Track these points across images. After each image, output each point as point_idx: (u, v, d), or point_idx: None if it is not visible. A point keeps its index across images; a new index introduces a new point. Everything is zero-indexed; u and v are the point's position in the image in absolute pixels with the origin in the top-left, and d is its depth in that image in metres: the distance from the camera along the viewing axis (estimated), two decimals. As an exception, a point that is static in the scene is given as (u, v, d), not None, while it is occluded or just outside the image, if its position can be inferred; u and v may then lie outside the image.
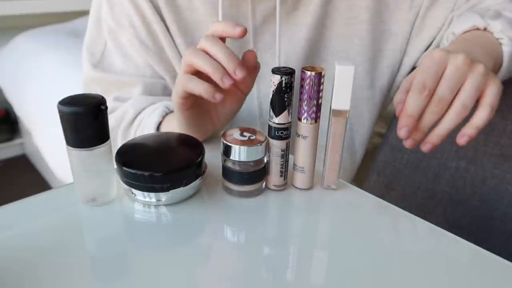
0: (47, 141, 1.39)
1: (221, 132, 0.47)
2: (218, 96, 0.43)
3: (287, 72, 0.42)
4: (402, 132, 0.42)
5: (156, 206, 0.44)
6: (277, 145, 0.45)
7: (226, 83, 0.42)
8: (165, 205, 0.44)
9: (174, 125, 0.55)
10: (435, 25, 0.65)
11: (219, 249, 0.39)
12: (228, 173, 0.45)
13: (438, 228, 0.43)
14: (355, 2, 0.64)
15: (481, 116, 0.42)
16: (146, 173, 0.41)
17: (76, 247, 0.38)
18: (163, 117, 0.61)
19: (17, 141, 2.02)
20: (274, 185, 0.47)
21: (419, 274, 0.37)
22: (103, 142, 0.41)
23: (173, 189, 0.43)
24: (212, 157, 0.51)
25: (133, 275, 0.35)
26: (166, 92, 0.67)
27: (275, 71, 0.42)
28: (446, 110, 0.42)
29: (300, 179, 0.48)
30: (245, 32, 0.43)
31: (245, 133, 0.45)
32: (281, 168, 0.46)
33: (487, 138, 0.69)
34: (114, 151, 0.44)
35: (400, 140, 0.43)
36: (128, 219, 0.43)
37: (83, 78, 0.68)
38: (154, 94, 0.66)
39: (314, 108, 0.44)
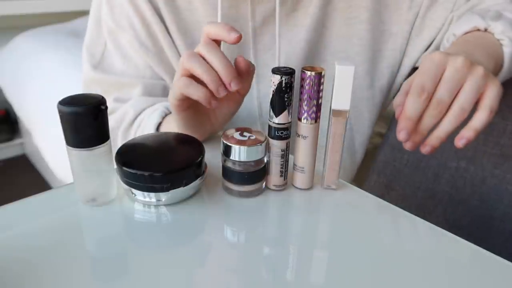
0: (47, 141, 1.39)
1: (221, 132, 0.47)
2: (214, 104, 0.44)
3: (287, 72, 0.42)
4: (401, 134, 0.42)
5: (156, 206, 0.44)
6: (277, 145, 0.45)
7: (221, 94, 0.43)
8: (165, 205, 0.44)
9: (174, 126, 0.55)
10: (435, 26, 0.65)
11: (219, 249, 0.39)
12: (228, 173, 0.46)
13: (438, 228, 0.43)
14: (355, 2, 0.64)
15: (480, 118, 0.42)
16: (146, 173, 0.41)
17: (76, 247, 0.38)
18: (163, 118, 0.61)
19: (17, 141, 2.02)
20: (274, 185, 0.47)
21: (419, 274, 0.37)
22: (103, 142, 0.41)
23: (173, 189, 0.43)
24: (212, 157, 0.51)
25: (133, 275, 0.35)
26: (166, 93, 0.67)
27: (275, 71, 0.42)
28: (446, 113, 0.42)
29: (300, 179, 0.48)
30: (240, 38, 0.43)
31: (245, 133, 0.45)
32: (281, 168, 0.46)
33: (487, 138, 0.69)
34: (114, 152, 0.44)
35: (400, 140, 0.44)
36: (128, 219, 0.43)
37: (83, 79, 0.68)
38: (154, 95, 0.66)
39: (314, 108, 0.44)
